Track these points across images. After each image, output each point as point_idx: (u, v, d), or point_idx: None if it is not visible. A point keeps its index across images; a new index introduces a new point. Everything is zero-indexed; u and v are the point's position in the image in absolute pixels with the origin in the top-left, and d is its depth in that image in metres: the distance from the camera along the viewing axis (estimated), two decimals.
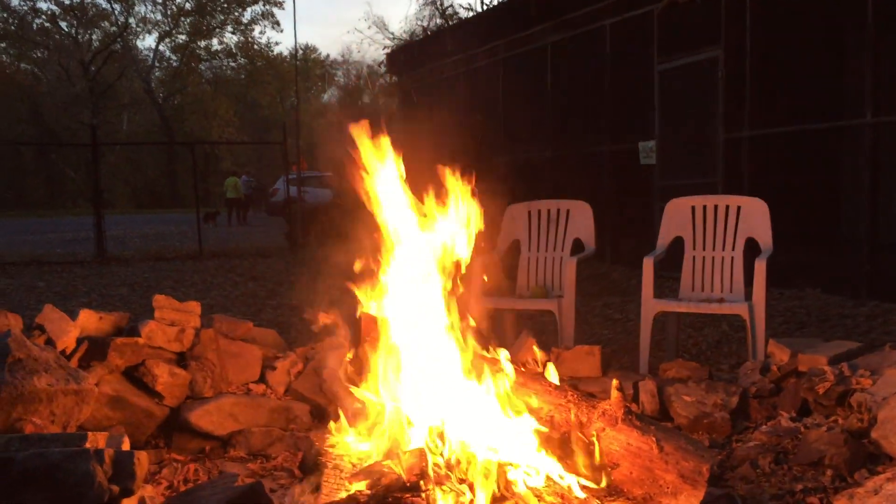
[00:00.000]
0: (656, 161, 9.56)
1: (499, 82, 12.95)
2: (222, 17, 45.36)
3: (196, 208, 14.48)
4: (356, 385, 2.70)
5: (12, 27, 42.79)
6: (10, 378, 2.57)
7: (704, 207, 4.69)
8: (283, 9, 45.44)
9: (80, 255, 13.22)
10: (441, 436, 2.45)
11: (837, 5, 8.08)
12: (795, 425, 3.30)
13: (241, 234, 19.00)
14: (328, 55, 60.53)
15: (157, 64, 47.13)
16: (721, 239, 4.61)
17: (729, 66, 8.48)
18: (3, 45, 43.52)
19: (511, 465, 2.41)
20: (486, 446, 2.45)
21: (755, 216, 4.55)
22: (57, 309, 3.45)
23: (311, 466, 2.72)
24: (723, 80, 8.55)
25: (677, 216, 4.77)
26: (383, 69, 30.30)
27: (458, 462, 2.41)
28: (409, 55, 17.36)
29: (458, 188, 2.78)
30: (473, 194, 2.78)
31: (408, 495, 2.27)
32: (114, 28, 44.47)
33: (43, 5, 42.59)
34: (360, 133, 2.72)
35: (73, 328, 3.39)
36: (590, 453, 2.48)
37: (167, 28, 45.21)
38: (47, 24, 44.09)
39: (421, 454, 2.37)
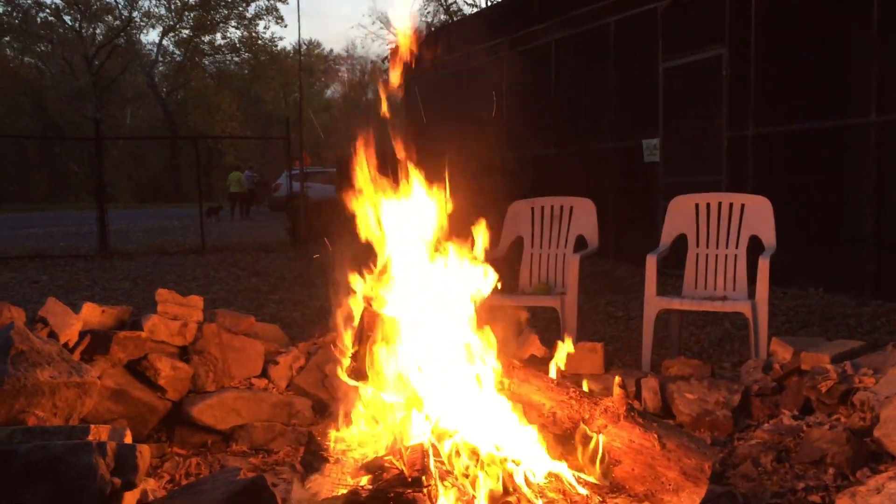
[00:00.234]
0: (660, 159, 9.54)
1: (502, 79, 12.93)
2: (226, 12, 45.35)
3: (199, 203, 14.49)
4: (358, 380, 2.70)
5: (16, 21, 42.81)
6: (12, 370, 2.57)
7: (708, 205, 4.68)
8: (287, 3, 45.43)
9: (83, 249, 13.23)
10: (443, 431, 2.45)
11: (842, 3, 8.06)
12: (798, 423, 3.30)
13: (243, 229, 19.01)
14: (332, 50, 60.68)
15: (160, 58, 47.19)
16: (724, 237, 4.60)
17: (733, 64, 8.46)
18: (7, 38, 43.57)
19: (513, 461, 2.41)
20: (488, 442, 2.45)
21: (759, 214, 4.54)
22: (60, 302, 3.46)
23: (312, 461, 2.72)
24: (727, 78, 8.53)
25: (681, 214, 4.77)
26: (387, 65, 30.27)
27: (460, 457, 2.41)
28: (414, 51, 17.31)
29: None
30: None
31: (409, 490, 2.27)
32: (117, 22, 44.50)
33: None
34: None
35: (75, 321, 3.40)
36: (593, 449, 2.48)
37: (171, 22, 45.25)
38: (51, 18, 44.16)
39: (423, 450, 2.37)
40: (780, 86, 8.16)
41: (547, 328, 5.28)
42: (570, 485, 2.41)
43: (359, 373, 2.66)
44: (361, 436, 2.71)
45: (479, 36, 13.37)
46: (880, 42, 7.09)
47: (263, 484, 2.26)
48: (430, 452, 2.37)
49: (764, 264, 4.23)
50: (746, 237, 4.55)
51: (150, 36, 65.75)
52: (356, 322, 2.71)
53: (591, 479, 2.47)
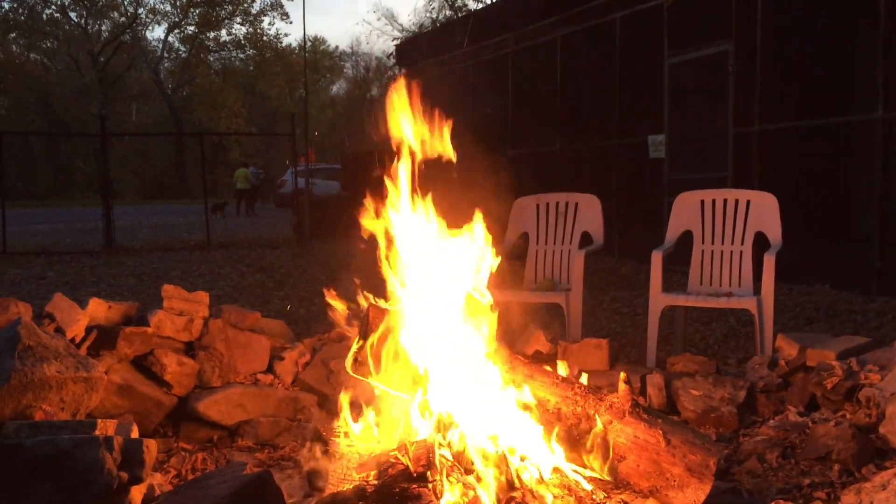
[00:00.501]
0: (666, 155, 9.52)
1: (508, 75, 12.92)
2: (231, 9, 45.34)
3: (204, 199, 14.50)
4: (364, 376, 2.70)
5: (22, 17, 42.88)
6: (20, 365, 2.58)
7: (714, 201, 4.67)
8: (292, 0, 45.40)
9: (89, 245, 13.26)
10: (448, 427, 2.46)
11: None
12: (803, 420, 3.30)
13: (248, 225, 19.03)
14: (337, 47, 60.58)
15: (166, 55, 47.22)
16: (730, 233, 4.60)
17: (739, 60, 8.43)
18: (13, 35, 43.63)
19: (518, 456, 2.41)
20: (493, 438, 2.45)
21: (764, 211, 4.53)
22: (66, 298, 3.47)
23: (318, 456, 2.73)
24: (733, 74, 8.50)
25: (686, 210, 4.76)
26: (392, 61, 30.27)
27: (466, 453, 2.41)
28: (418, 47, 17.34)
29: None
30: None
31: (415, 486, 2.27)
32: (123, 19, 44.54)
33: None
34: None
35: (82, 317, 3.41)
36: (598, 445, 2.48)
37: (176, 19, 45.27)
38: (57, 15, 44.20)
39: (428, 445, 2.38)
40: (786, 82, 8.13)
41: (552, 324, 5.28)
42: (575, 480, 2.41)
43: (364, 368, 2.67)
44: (367, 431, 2.71)
45: (486, 32, 13.36)
46: (887, 37, 7.06)
47: (269, 478, 2.27)
48: (436, 448, 2.37)
49: (770, 261, 4.22)
50: (752, 234, 4.54)
51: (156, 32, 66.03)
52: (362, 316, 2.71)
53: (596, 475, 2.48)
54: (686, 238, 4.73)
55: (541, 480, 2.38)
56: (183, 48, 46.72)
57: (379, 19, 72.82)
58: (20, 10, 42.70)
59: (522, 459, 2.41)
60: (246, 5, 45.18)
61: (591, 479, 2.45)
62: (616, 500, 2.42)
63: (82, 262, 11.06)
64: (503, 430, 2.49)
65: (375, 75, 51.76)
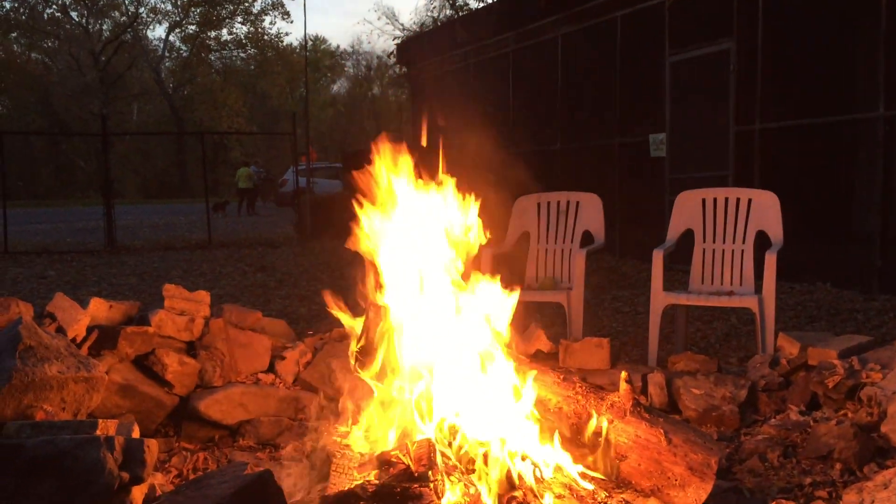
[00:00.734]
0: (667, 153, 9.52)
1: (509, 74, 12.91)
2: (232, 8, 45.34)
3: (205, 198, 14.51)
4: (365, 375, 2.70)
5: (23, 17, 42.89)
6: (21, 365, 2.58)
7: (715, 200, 4.67)
8: None
9: (91, 244, 13.27)
10: (450, 426, 2.45)
11: None
12: (804, 419, 3.29)
13: (250, 225, 19.04)
14: (338, 46, 60.59)
15: (167, 54, 47.22)
16: (731, 232, 4.59)
17: (741, 59, 8.43)
18: (15, 34, 43.64)
19: (519, 455, 2.41)
20: (494, 437, 2.45)
21: (766, 209, 4.52)
22: (67, 297, 3.47)
23: (319, 456, 2.73)
24: (734, 73, 8.50)
25: (687, 209, 4.75)
26: (393, 60, 30.27)
27: (467, 452, 2.41)
28: (419, 46, 17.33)
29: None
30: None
31: (416, 485, 2.27)
32: (124, 18, 44.55)
33: None
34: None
35: (83, 316, 3.41)
36: (599, 445, 2.48)
37: (177, 18, 45.28)
38: (58, 14, 44.22)
39: (429, 444, 2.38)
40: (787, 80, 8.13)
41: (553, 323, 5.28)
42: (576, 480, 2.41)
43: (365, 366, 2.66)
44: (368, 430, 2.71)
45: (486, 30, 13.35)
46: (888, 36, 7.05)
47: (271, 478, 2.26)
48: (437, 447, 2.37)
49: (771, 259, 4.21)
50: (753, 232, 4.54)
51: (157, 32, 66.07)
52: (363, 315, 2.71)
53: (597, 475, 2.47)
54: (687, 237, 4.73)
55: (542, 480, 2.38)
56: (184, 47, 46.77)
57: (379, 18, 72.84)
58: (21, 10, 42.74)
59: (523, 459, 2.41)
60: (247, 4, 45.22)
61: (592, 479, 2.45)
62: (617, 499, 2.41)
63: (83, 261, 11.07)
64: (504, 429, 2.49)
65: (376, 74, 51.80)
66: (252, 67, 47.84)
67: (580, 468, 2.46)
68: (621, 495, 2.44)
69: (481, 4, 26.58)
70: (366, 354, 2.66)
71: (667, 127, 9.52)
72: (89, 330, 3.42)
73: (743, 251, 4.54)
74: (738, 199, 4.62)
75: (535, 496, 2.32)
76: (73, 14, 44.42)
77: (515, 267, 5.06)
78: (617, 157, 10.47)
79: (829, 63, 8.18)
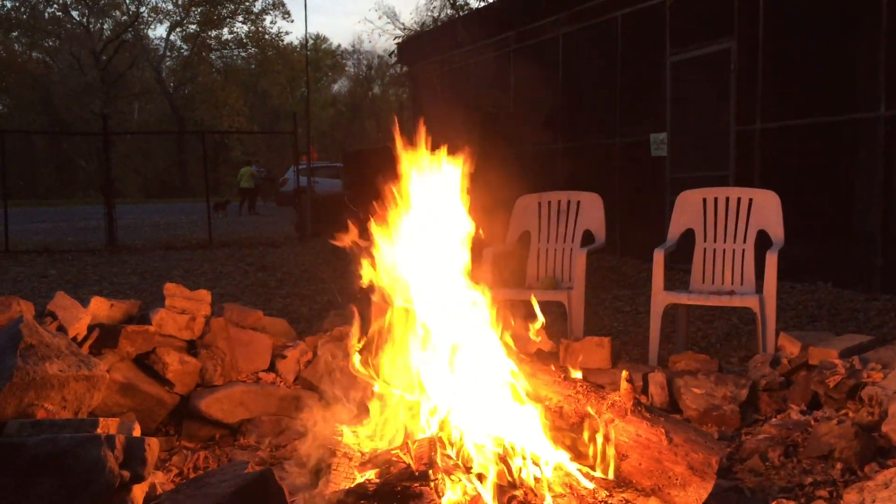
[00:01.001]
0: (668, 153, 9.52)
1: (510, 73, 12.90)
2: (233, 7, 45.34)
3: (206, 197, 14.51)
4: (366, 373, 2.71)
5: (24, 16, 42.91)
6: (22, 364, 2.58)
7: (716, 200, 4.67)
8: None
9: (92, 243, 13.27)
10: (450, 425, 2.45)
11: None
12: (805, 418, 3.29)
13: (250, 224, 19.04)
14: (339, 45, 60.55)
15: (167, 53, 47.23)
16: (732, 231, 4.59)
17: (741, 58, 8.42)
18: (15, 33, 43.66)
19: (520, 454, 2.41)
20: (494, 436, 2.45)
21: (767, 209, 4.52)
22: (68, 296, 3.47)
23: (320, 455, 2.73)
24: (735, 72, 8.49)
25: (688, 208, 4.75)
26: (394, 59, 30.27)
27: (467, 451, 2.41)
28: (420, 45, 17.34)
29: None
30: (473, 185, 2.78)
31: (416, 484, 2.27)
32: (125, 17, 44.56)
33: None
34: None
35: (84, 315, 3.41)
36: (600, 444, 2.48)
37: (178, 17, 45.29)
38: (59, 13, 44.24)
39: (430, 443, 2.38)
40: (788, 80, 8.12)
41: (554, 323, 5.27)
42: (577, 479, 2.41)
43: (366, 365, 2.67)
44: (369, 429, 2.71)
45: (487, 30, 13.35)
46: (889, 35, 7.04)
47: (271, 477, 2.27)
48: (437, 446, 2.37)
49: (772, 259, 4.21)
50: (754, 232, 4.53)
51: (158, 31, 66.11)
52: (365, 314, 2.71)
53: (598, 474, 2.47)
54: (688, 236, 4.73)
55: (542, 479, 2.37)
56: (185, 47, 46.78)
57: (380, 18, 72.94)
58: (22, 9, 42.76)
59: (524, 458, 2.41)
60: (247, 4, 45.23)
61: (592, 478, 2.45)
62: (618, 498, 2.41)
63: (84, 260, 11.07)
64: (505, 428, 2.49)
65: (377, 73, 51.80)
66: (253, 67, 47.86)
67: (581, 467, 2.46)
68: (622, 494, 2.44)
69: (482, 4, 26.58)
70: (367, 353, 2.66)
71: (668, 126, 9.52)
72: (90, 329, 3.43)
73: (744, 251, 4.54)
74: (738, 199, 4.62)
75: (536, 495, 2.32)
76: (74, 13, 44.49)
77: (516, 266, 5.07)
78: (618, 156, 10.47)
79: (830, 63, 8.17)
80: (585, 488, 2.39)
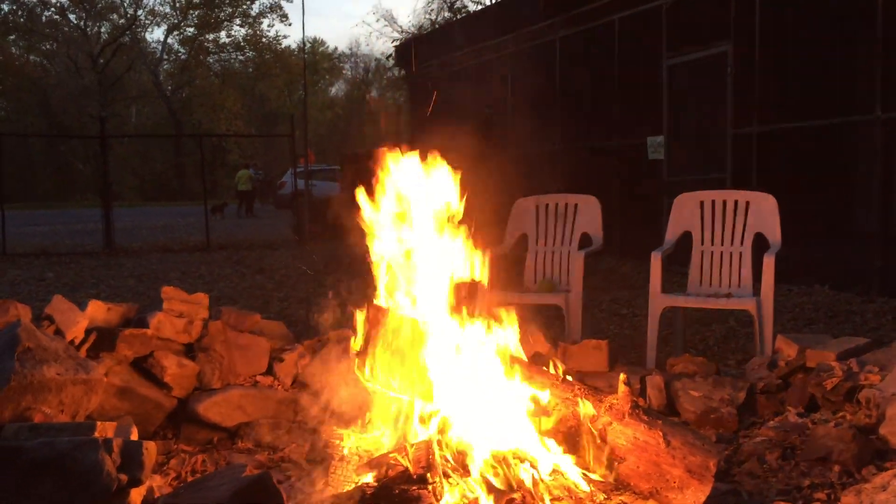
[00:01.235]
0: (665, 156, 9.53)
1: (507, 76, 12.92)
2: (230, 10, 45.35)
3: (204, 200, 14.50)
4: (364, 377, 2.70)
5: (21, 19, 42.87)
6: (19, 367, 2.58)
7: (713, 202, 4.68)
8: (291, 2, 45.60)
9: (89, 246, 13.26)
10: (448, 428, 2.45)
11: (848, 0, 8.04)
12: (803, 421, 3.29)
13: (248, 227, 19.03)
14: (336, 48, 60.54)
15: (165, 57, 47.22)
16: (729, 234, 4.60)
17: (738, 61, 8.44)
18: (13, 37, 43.63)
19: (518, 457, 2.41)
20: (492, 439, 2.45)
21: (764, 211, 4.53)
22: (66, 299, 3.46)
23: (318, 458, 2.73)
24: (732, 75, 8.51)
25: (685, 211, 4.76)
26: (391, 62, 30.27)
27: (465, 455, 2.41)
28: (418, 48, 17.35)
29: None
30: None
31: (414, 487, 2.27)
32: (122, 20, 44.54)
33: None
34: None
35: (81, 319, 3.41)
36: (597, 447, 2.48)
37: (175, 21, 45.26)
38: (56, 17, 44.23)
39: (428, 447, 2.38)
40: (785, 83, 8.14)
41: (551, 326, 5.27)
42: (575, 482, 2.41)
43: (363, 369, 2.66)
44: (366, 432, 2.71)
45: (485, 33, 13.37)
46: (885, 38, 7.06)
47: (269, 480, 2.27)
48: (436, 449, 2.37)
49: (769, 261, 4.22)
50: (751, 234, 4.54)
51: (155, 34, 65.94)
52: (362, 317, 2.71)
53: (596, 477, 2.48)
54: (685, 239, 4.73)
55: (540, 482, 2.38)
56: (182, 50, 46.76)
57: (378, 21, 72.98)
58: (20, 12, 42.72)
59: (522, 461, 2.41)
60: (245, 7, 45.21)
61: (590, 481, 2.45)
62: (616, 501, 2.41)
63: (82, 263, 11.06)
64: (502, 431, 2.49)
65: (375, 76, 51.81)
66: (250, 70, 47.84)
67: (579, 470, 2.46)
68: (620, 497, 2.44)
69: (479, 7, 26.62)
70: (365, 356, 2.66)
71: (665, 129, 9.53)
72: (88, 332, 3.42)
73: (741, 253, 4.54)
74: (735, 202, 4.63)
75: (534, 498, 2.32)
76: (72, 16, 44.47)
77: (514, 269, 5.07)
78: (615, 159, 10.48)
79: (827, 66, 8.19)
80: (583, 491, 2.40)
